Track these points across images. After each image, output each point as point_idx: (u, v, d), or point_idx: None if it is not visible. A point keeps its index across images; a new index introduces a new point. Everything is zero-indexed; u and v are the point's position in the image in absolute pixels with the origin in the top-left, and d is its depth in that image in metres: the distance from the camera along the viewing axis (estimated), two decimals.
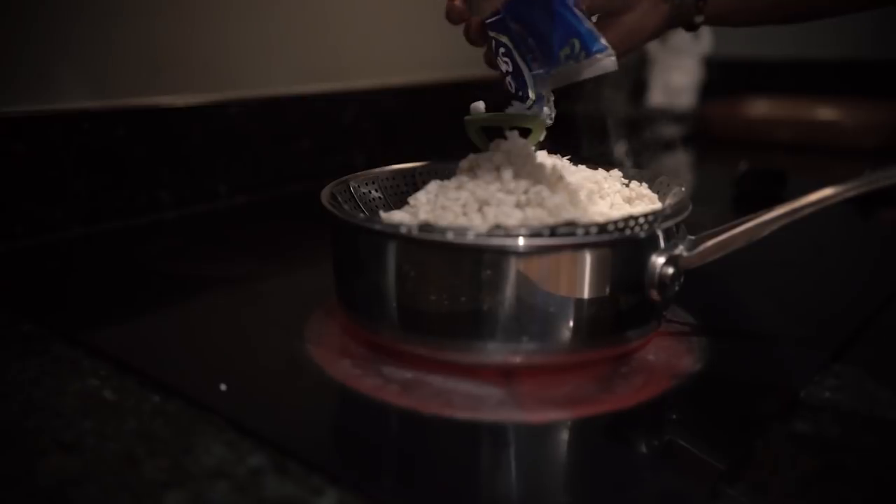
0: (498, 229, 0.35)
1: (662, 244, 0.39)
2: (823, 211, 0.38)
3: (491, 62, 0.49)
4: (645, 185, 0.46)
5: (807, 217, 0.39)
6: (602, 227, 0.36)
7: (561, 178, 0.42)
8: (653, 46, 1.35)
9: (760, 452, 0.33)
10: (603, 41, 0.41)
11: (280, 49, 0.84)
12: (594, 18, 0.47)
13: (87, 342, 0.44)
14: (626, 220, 0.36)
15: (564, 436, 0.36)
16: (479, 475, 0.32)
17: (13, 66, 0.64)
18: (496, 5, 0.43)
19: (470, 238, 0.35)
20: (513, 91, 0.47)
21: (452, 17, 0.47)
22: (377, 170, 0.49)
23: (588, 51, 0.41)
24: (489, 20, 0.46)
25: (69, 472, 0.32)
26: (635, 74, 1.34)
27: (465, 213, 0.40)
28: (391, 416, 0.36)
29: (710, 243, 0.39)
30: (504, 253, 0.35)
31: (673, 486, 0.32)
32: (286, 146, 0.85)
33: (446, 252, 0.36)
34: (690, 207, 0.41)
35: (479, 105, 0.48)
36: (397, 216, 0.41)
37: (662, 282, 0.38)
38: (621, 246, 0.37)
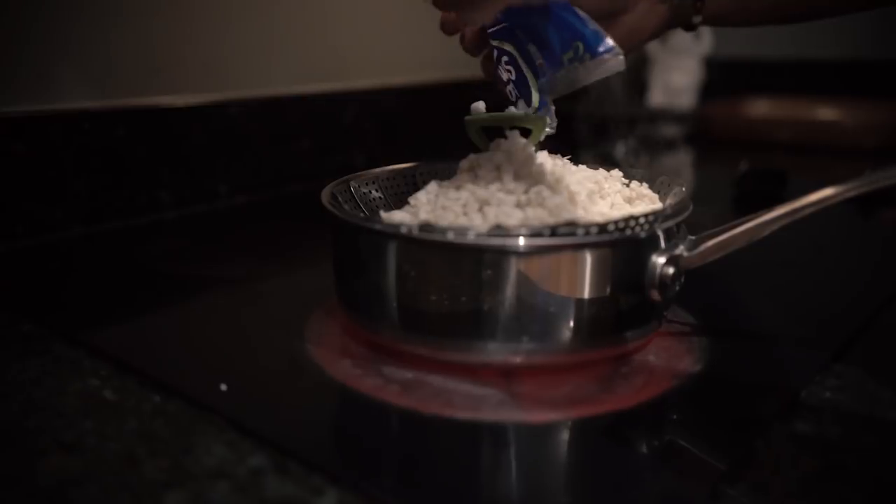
0: (498, 229, 0.35)
1: (663, 244, 0.39)
2: (824, 211, 0.38)
3: (488, 71, 0.49)
4: (645, 185, 0.46)
5: (807, 217, 0.39)
6: (602, 227, 0.36)
7: (561, 178, 0.42)
8: (653, 46, 1.35)
9: (761, 453, 0.33)
10: (609, 41, 0.40)
11: (280, 49, 0.84)
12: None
13: (88, 342, 0.44)
14: (627, 220, 0.36)
15: (565, 436, 0.35)
16: (479, 475, 0.32)
17: (13, 66, 0.64)
18: (490, 15, 0.43)
19: (470, 238, 0.35)
20: (513, 100, 0.46)
21: (447, 28, 0.48)
22: (377, 170, 0.49)
23: (593, 52, 0.40)
24: (491, 28, 0.46)
25: (70, 472, 0.32)
26: (635, 75, 1.34)
27: (465, 213, 0.40)
28: (391, 416, 0.36)
29: (710, 243, 0.39)
30: (504, 253, 0.35)
31: (673, 486, 0.32)
32: (286, 146, 0.85)
33: (447, 252, 0.36)
34: (691, 207, 0.41)
35: (480, 105, 0.48)
36: (398, 216, 0.41)
37: (663, 282, 0.38)
38: (622, 246, 0.37)
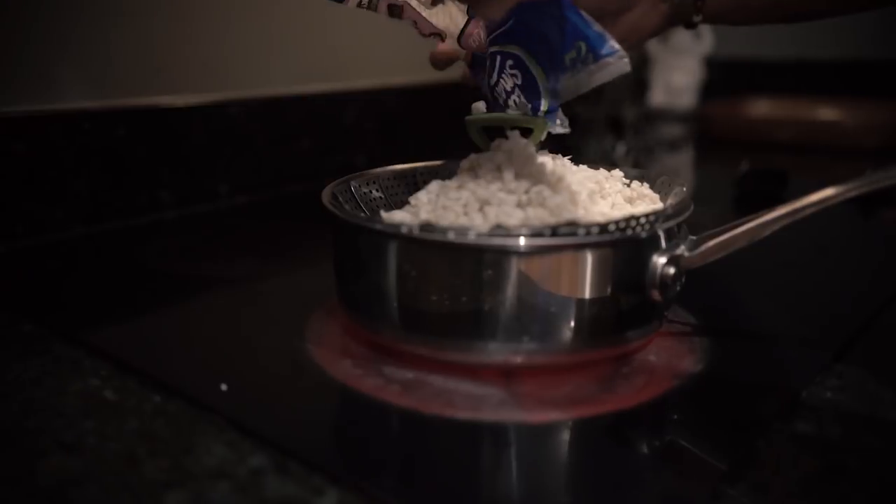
0: (499, 229, 0.35)
1: (664, 244, 0.39)
2: (825, 211, 0.38)
3: (470, 79, 0.49)
4: (646, 184, 0.46)
5: (808, 217, 0.39)
6: (603, 227, 0.36)
7: (562, 177, 0.42)
8: (654, 46, 1.35)
9: (762, 453, 0.33)
10: (613, 43, 0.40)
11: (280, 49, 0.84)
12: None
13: (88, 342, 0.43)
14: (628, 219, 0.36)
15: (565, 436, 0.35)
16: (479, 475, 0.32)
17: (13, 66, 0.64)
18: (502, 11, 0.42)
19: (471, 238, 0.35)
20: (517, 107, 0.45)
21: (439, 64, 0.48)
22: (378, 170, 0.49)
23: (596, 54, 0.40)
24: (494, 33, 0.45)
25: (70, 472, 0.32)
26: (636, 74, 1.34)
27: (466, 213, 0.40)
28: (392, 417, 0.36)
29: (711, 243, 0.39)
30: (505, 253, 0.35)
31: (674, 486, 0.32)
32: (287, 146, 0.85)
33: (447, 252, 0.36)
34: (692, 207, 0.41)
35: (480, 105, 0.48)
36: (398, 216, 0.41)
37: (664, 282, 0.38)
38: (623, 246, 0.37)
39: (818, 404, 0.38)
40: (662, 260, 0.38)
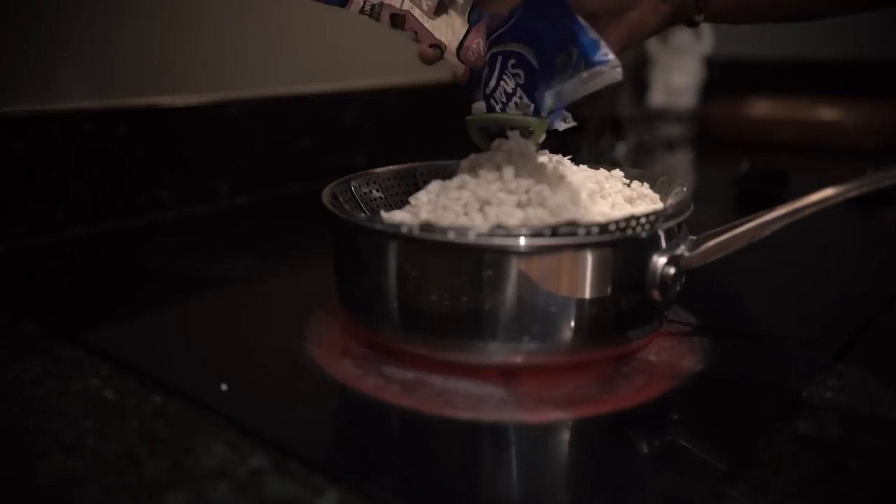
0: (499, 229, 0.35)
1: (664, 244, 0.39)
2: (825, 211, 0.38)
3: (464, 80, 0.49)
4: (646, 184, 0.46)
5: (808, 217, 0.38)
6: (603, 227, 0.36)
7: (562, 177, 0.42)
8: (654, 47, 1.35)
9: (762, 453, 0.33)
10: (606, 51, 0.39)
11: (280, 49, 0.84)
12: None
13: (88, 342, 0.43)
14: (628, 220, 0.36)
15: (565, 436, 0.35)
16: (479, 475, 0.32)
17: (13, 66, 0.64)
18: (509, 6, 0.42)
19: (471, 238, 0.35)
20: (519, 108, 0.45)
21: (431, 61, 0.48)
22: (378, 169, 0.49)
23: (588, 61, 0.39)
24: (496, 33, 0.45)
25: (70, 472, 0.32)
26: (636, 74, 1.34)
27: (466, 213, 0.40)
28: (392, 417, 0.36)
29: (711, 243, 0.39)
30: (505, 253, 0.35)
31: (674, 486, 0.32)
32: (287, 146, 0.85)
33: (447, 252, 0.36)
34: (692, 207, 0.41)
35: (480, 105, 0.48)
36: (398, 216, 0.41)
37: (664, 282, 0.38)
38: (623, 246, 0.37)
39: (818, 404, 0.38)
40: (662, 260, 0.38)
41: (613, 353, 0.40)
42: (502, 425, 0.35)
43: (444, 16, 0.45)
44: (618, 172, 0.47)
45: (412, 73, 0.97)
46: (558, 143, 0.47)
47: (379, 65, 0.95)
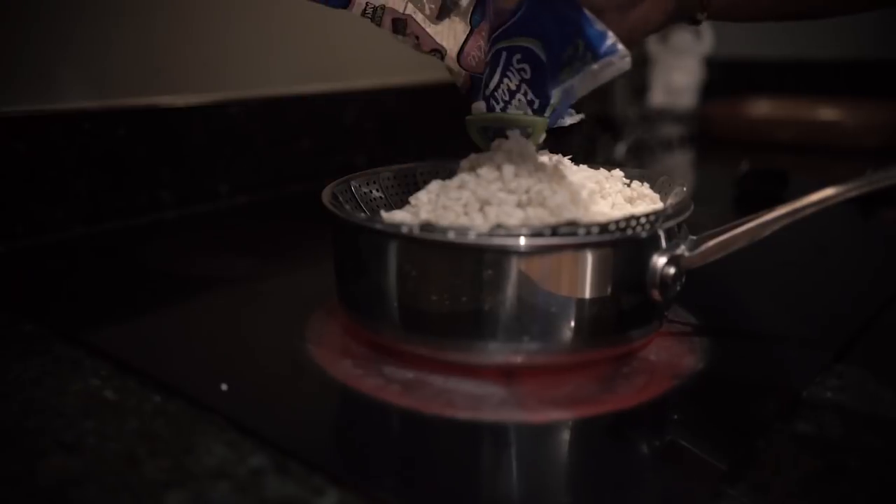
0: (499, 229, 0.35)
1: (664, 244, 0.39)
2: (825, 211, 0.38)
3: (464, 88, 0.48)
4: (646, 184, 0.46)
5: (808, 217, 0.38)
6: (604, 227, 0.36)
7: (562, 177, 0.42)
8: (654, 47, 1.35)
9: (762, 453, 0.33)
10: (613, 41, 0.39)
11: (280, 49, 0.84)
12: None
13: (89, 342, 0.43)
14: (628, 219, 0.36)
15: (566, 436, 0.35)
16: (480, 475, 0.32)
17: (13, 66, 0.64)
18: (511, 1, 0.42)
19: (471, 238, 0.35)
20: (522, 106, 0.44)
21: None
22: (378, 169, 0.49)
23: (595, 53, 0.39)
24: (501, 28, 0.44)
25: (70, 472, 0.32)
26: (636, 74, 1.35)
27: (466, 213, 0.40)
28: (392, 417, 0.36)
29: (711, 243, 0.39)
30: (505, 253, 0.35)
31: (674, 486, 0.32)
32: (287, 146, 0.85)
33: (447, 252, 0.36)
34: (692, 207, 0.41)
35: (481, 105, 0.48)
36: (398, 216, 0.41)
37: (664, 282, 0.38)
38: (623, 246, 0.37)
39: (818, 404, 0.38)
40: (663, 260, 0.38)
41: (613, 353, 0.40)
42: (502, 425, 0.35)
43: (446, 20, 0.45)
44: (618, 172, 0.47)
45: (412, 73, 0.97)
46: (558, 144, 0.47)
47: (379, 65, 0.95)
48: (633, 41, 0.48)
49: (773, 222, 0.39)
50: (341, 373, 0.39)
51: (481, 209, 0.39)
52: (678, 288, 0.40)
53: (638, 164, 0.49)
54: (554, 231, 0.35)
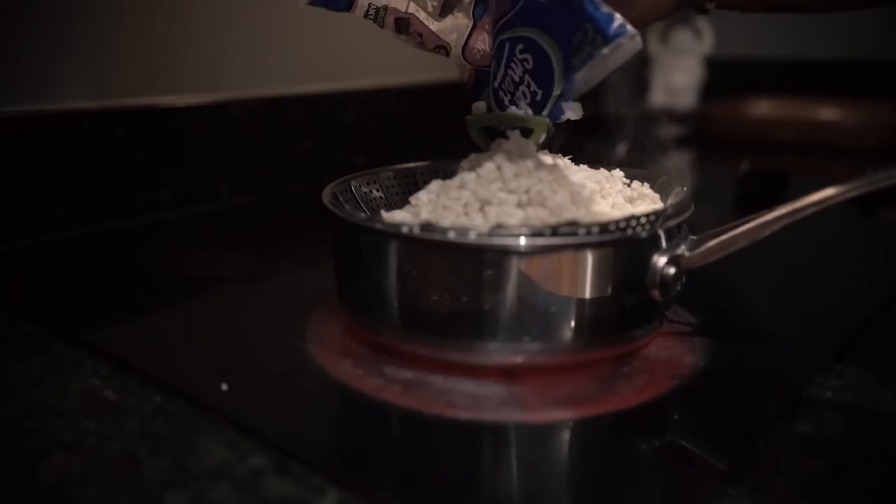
0: (499, 229, 0.35)
1: (664, 244, 0.39)
2: (825, 211, 0.38)
3: (469, 84, 0.48)
4: (647, 184, 0.46)
5: (809, 217, 0.38)
6: (604, 227, 0.36)
7: (563, 177, 0.42)
8: (654, 46, 1.35)
9: (762, 453, 0.33)
10: (621, 22, 0.37)
11: (280, 49, 0.84)
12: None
13: (89, 342, 0.43)
14: (628, 219, 0.36)
15: (566, 436, 0.35)
16: (480, 475, 0.32)
17: (13, 66, 0.64)
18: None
19: (471, 238, 0.35)
20: (527, 100, 0.43)
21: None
22: (378, 169, 0.49)
23: (605, 36, 0.38)
24: (504, 18, 0.43)
25: (70, 472, 0.32)
26: (636, 74, 1.34)
27: (466, 213, 0.40)
28: (392, 417, 0.36)
29: (711, 243, 0.39)
30: (506, 253, 0.35)
31: (675, 486, 0.32)
32: (287, 146, 0.85)
33: (448, 252, 0.36)
34: (692, 207, 0.41)
35: (481, 104, 0.48)
36: (399, 216, 0.41)
37: (664, 282, 0.38)
38: (623, 246, 0.37)
39: (819, 404, 0.38)
40: (663, 260, 0.38)
41: (614, 353, 0.40)
42: (503, 425, 0.35)
43: (449, 17, 0.45)
44: (618, 172, 0.47)
45: (412, 73, 0.97)
46: (558, 144, 0.47)
47: (379, 65, 0.95)
48: (642, 27, 0.47)
49: (774, 222, 0.39)
50: (341, 373, 0.39)
51: (481, 209, 0.39)
52: (678, 288, 0.40)
53: (638, 164, 0.49)
54: (554, 231, 0.35)
